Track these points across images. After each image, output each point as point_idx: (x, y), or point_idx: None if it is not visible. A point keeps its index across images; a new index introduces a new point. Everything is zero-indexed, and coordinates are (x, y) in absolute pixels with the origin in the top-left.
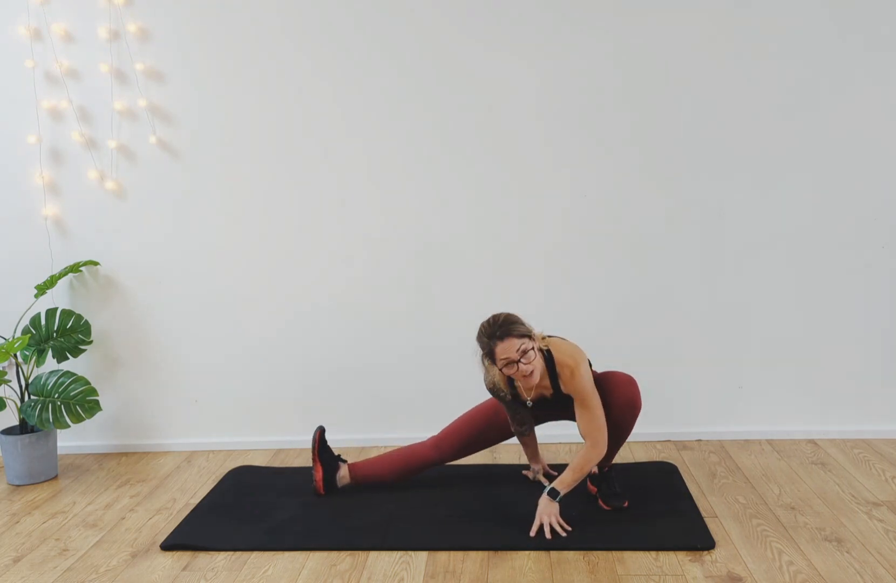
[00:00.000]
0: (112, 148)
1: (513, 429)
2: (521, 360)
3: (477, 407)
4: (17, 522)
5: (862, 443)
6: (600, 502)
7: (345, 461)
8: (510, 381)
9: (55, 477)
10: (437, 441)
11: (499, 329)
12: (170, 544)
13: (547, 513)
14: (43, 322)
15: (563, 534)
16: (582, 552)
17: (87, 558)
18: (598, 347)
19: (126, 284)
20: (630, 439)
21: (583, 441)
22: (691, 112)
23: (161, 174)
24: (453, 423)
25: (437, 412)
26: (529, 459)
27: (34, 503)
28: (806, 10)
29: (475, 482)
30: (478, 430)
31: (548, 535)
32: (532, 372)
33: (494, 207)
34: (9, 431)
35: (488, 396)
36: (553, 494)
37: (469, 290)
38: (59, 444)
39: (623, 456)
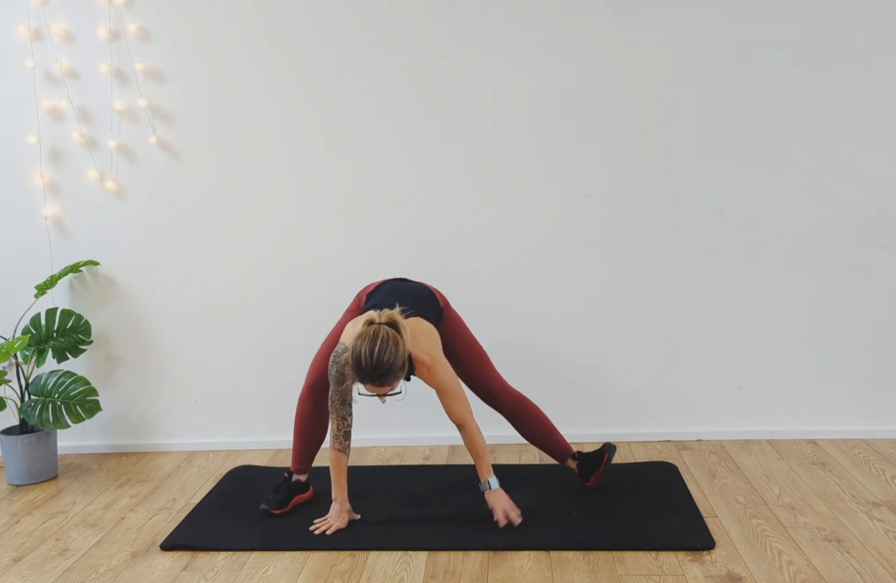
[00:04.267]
0: (112, 148)
1: (338, 440)
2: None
3: (330, 337)
4: (17, 522)
5: (862, 443)
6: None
7: (290, 475)
8: None
9: (55, 477)
10: (310, 390)
11: (377, 378)
12: (170, 544)
13: (500, 504)
14: (43, 322)
15: (519, 519)
16: (582, 552)
17: (87, 558)
18: (599, 347)
19: (126, 284)
20: (630, 439)
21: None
22: (692, 112)
23: (161, 174)
24: (315, 360)
25: (437, 412)
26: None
27: (34, 503)
28: (811, 5)
29: (475, 482)
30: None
31: (515, 522)
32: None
33: (494, 207)
34: (9, 431)
35: None
36: (492, 484)
37: (470, 291)
38: (59, 444)
39: (623, 456)
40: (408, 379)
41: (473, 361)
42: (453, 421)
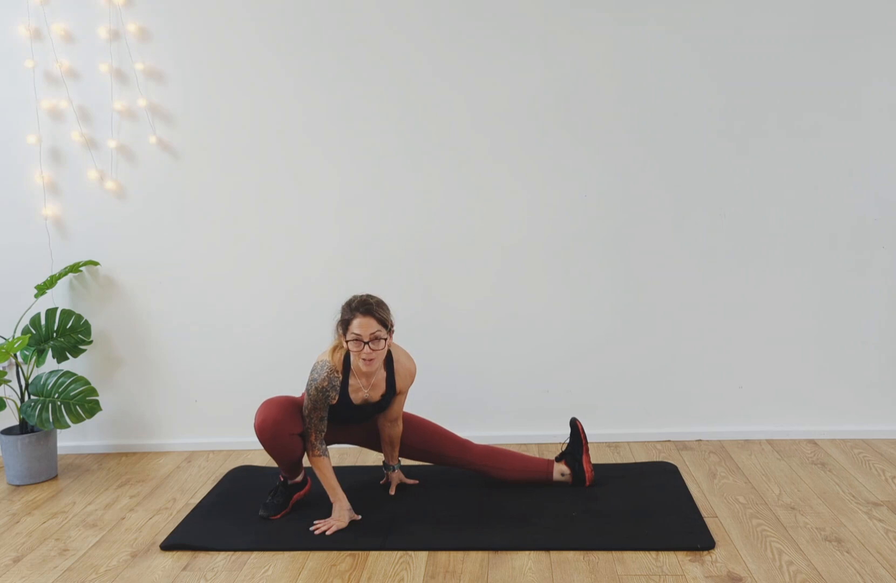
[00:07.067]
0: (112, 148)
1: (315, 447)
2: (370, 343)
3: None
4: (17, 522)
5: (862, 443)
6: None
7: (286, 479)
8: (342, 385)
9: (55, 477)
10: (262, 429)
11: (366, 306)
12: (170, 544)
13: (399, 478)
14: (43, 322)
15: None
16: (582, 552)
17: (87, 558)
18: (598, 347)
19: (126, 284)
20: (630, 439)
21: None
22: (692, 113)
23: (161, 174)
24: (265, 403)
25: (437, 414)
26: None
27: (34, 503)
28: (807, 9)
29: (475, 482)
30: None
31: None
32: (373, 360)
33: (494, 209)
34: (9, 431)
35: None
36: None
37: (468, 292)
38: (59, 444)
39: (623, 456)
40: (388, 387)
41: (434, 437)
42: (393, 417)
